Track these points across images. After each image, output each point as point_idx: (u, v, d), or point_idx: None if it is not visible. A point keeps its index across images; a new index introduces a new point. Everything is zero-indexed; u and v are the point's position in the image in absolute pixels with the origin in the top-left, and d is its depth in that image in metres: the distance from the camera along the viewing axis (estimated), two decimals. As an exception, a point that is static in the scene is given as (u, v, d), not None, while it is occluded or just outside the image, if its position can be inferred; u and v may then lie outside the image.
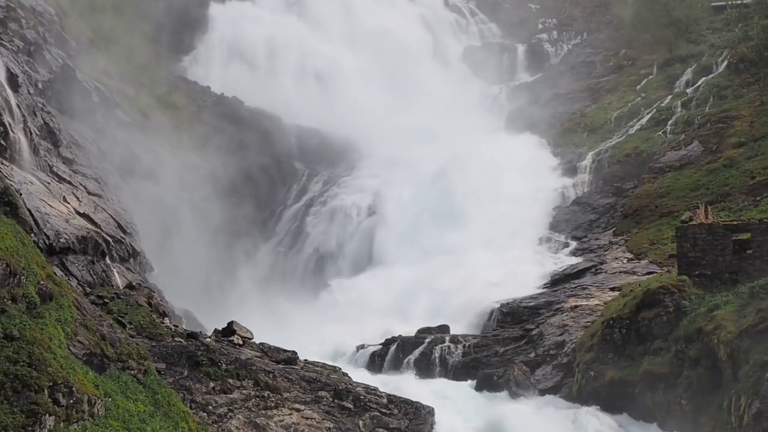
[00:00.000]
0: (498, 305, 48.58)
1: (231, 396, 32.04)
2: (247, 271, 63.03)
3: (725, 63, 70.91)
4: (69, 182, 45.08)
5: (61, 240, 38.12)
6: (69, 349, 26.50)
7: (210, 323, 45.66)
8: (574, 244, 57.03)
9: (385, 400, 35.43)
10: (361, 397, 34.98)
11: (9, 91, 44.09)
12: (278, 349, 37.12)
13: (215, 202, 63.59)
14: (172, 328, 36.18)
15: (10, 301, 25.29)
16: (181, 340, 34.29)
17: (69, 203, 42.70)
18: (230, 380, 32.49)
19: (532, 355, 43.70)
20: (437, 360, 45.06)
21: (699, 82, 70.92)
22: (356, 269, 61.39)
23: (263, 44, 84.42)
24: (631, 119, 70.74)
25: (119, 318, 33.74)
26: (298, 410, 33.06)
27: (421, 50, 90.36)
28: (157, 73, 70.47)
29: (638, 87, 76.77)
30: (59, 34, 59.68)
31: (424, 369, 44.79)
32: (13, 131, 41.31)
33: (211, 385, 31.96)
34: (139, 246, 47.28)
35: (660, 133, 65.53)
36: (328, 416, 33.49)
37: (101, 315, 31.47)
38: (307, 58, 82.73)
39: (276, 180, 70.79)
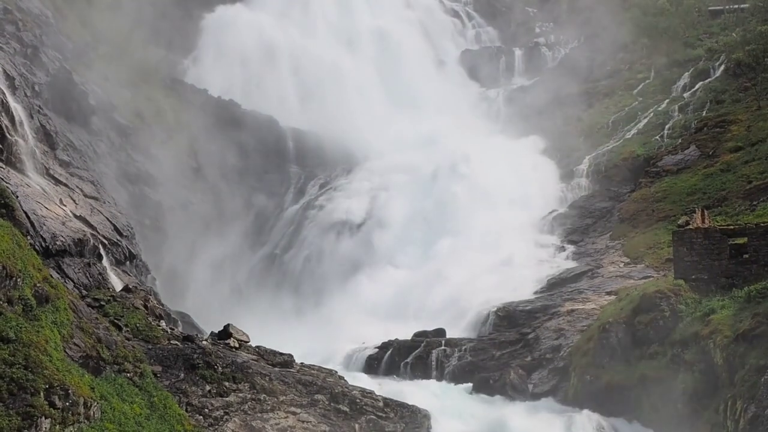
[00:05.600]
0: (494, 309, 48.51)
1: (227, 399, 32.03)
2: (244, 274, 62.96)
3: (722, 67, 70.94)
4: (65, 185, 45.06)
5: (58, 242, 38.09)
6: (65, 352, 26.48)
7: (207, 326, 45.68)
8: (570, 248, 56.93)
9: (381, 404, 35.43)
10: (357, 400, 34.97)
11: (6, 94, 44.09)
12: (274, 352, 37.14)
13: (211, 205, 63.56)
14: (168, 331, 36.19)
15: (6, 304, 25.27)
16: (177, 343, 34.31)
17: (65, 206, 42.67)
18: (226, 383, 32.50)
19: (529, 358, 43.73)
20: (433, 363, 45.06)
21: (696, 87, 70.96)
22: (353, 273, 61.15)
23: (261, 47, 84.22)
24: (628, 123, 70.72)
25: (115, 321, 33.76)
26: (294, 413, 33.05)
27: (419, 54, 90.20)
28: (154, 75, 70.36)
29: (635, 91, 76.73)
30: (56, 36, 59.64)
31: (421, 372, 44.83)
32: (9, 134, 41.32)
33: (207, 388, 31.96)
34: (136, 249, 47.27)
35: (657, 137, 65.53)
36: (324, 419, 33.48)
37: (97, 318, 31.45)
38: (305, 61, 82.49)
39: (273, 183, 70.74)
